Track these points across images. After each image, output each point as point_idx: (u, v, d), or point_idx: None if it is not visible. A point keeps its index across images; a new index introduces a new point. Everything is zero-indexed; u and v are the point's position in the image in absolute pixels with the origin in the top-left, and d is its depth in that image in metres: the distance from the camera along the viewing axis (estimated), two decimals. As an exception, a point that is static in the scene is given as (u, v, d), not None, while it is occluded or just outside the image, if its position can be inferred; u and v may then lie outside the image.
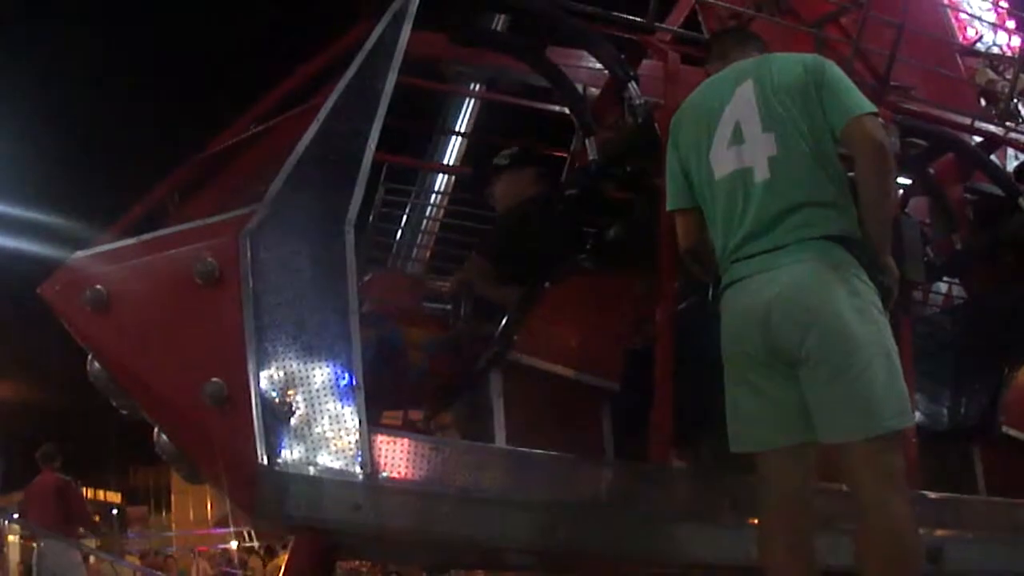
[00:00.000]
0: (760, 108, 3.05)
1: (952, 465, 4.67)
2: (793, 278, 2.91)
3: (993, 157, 5.62)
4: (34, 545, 9.99)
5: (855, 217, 3.01)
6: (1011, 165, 5.99)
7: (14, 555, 14.96)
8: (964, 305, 5.62)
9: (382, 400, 3.67)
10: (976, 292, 5.42)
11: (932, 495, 4.33)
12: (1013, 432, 4.69)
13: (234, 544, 15.86)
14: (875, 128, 2.97)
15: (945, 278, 5.72)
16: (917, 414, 4.37)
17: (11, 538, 14.56)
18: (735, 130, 3.08)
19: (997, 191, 5.26)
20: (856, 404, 2.84)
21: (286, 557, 4.06)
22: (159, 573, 13.72)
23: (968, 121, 5.58)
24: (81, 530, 10.18)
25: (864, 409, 2.84)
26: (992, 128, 5.69)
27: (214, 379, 3.23)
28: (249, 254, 3.31)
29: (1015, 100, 6.39)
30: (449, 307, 4.49)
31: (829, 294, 2.88)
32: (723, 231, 3.07)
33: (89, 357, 3.67)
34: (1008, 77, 6.62)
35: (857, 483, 2.85)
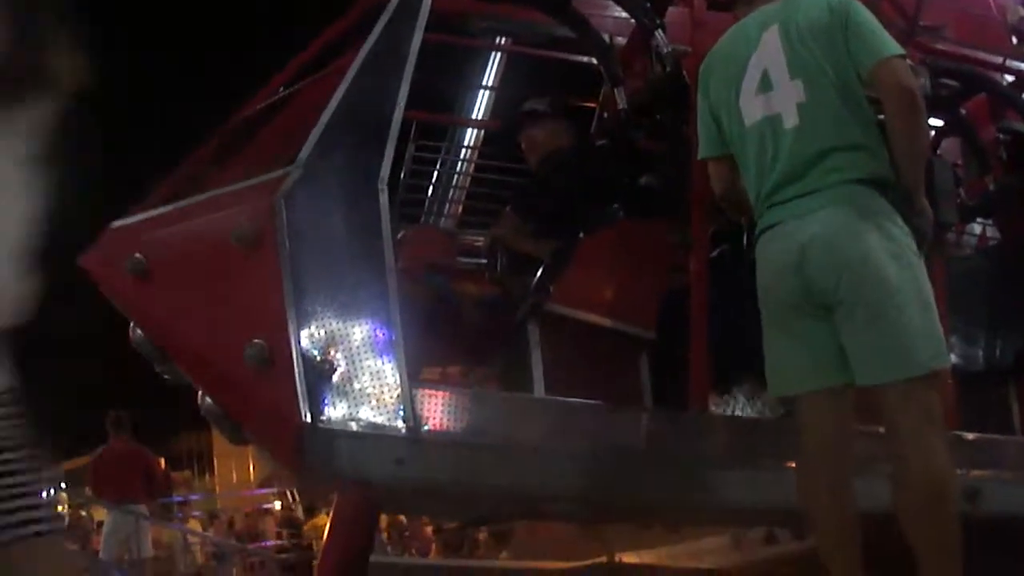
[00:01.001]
0: (787, 54, 3.04)
1: (988, 406, 4.67)
2: (826, 223, 2.91)
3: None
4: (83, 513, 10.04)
5: (887, 160, 3.00)
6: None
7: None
8: (998, 246, 5.58)
9: (436, 355, 3.73)
10: (1010, 232, 5.38)
11: (969, 436, 4.33)
12: None
13: (278, 505, 16.09)
14: (903, 70, 2.95)
15: (979, 219, 5.67)
16: (953, 356, 4.38)
17: (59, 508, 14.82)
18: (763, 77, 3.07)
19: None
20: (893, 346, 2.85)
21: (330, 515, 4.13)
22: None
23: (1000, 60, 5.51)
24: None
25: (901, 351, 2.85)
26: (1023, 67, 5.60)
27: (255, 340, 3.28)
28: (285, 216, 3.34)
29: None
30: (484, 261, 4.53)
31: (863, 238, 2.88)
32: (756, 178, 3.07)
33: (131, 324, 3.73)
34: (1041, 12, 6.50)
35: (895, 424, 2.87)
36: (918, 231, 2.97)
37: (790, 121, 3.00)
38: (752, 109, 3.08)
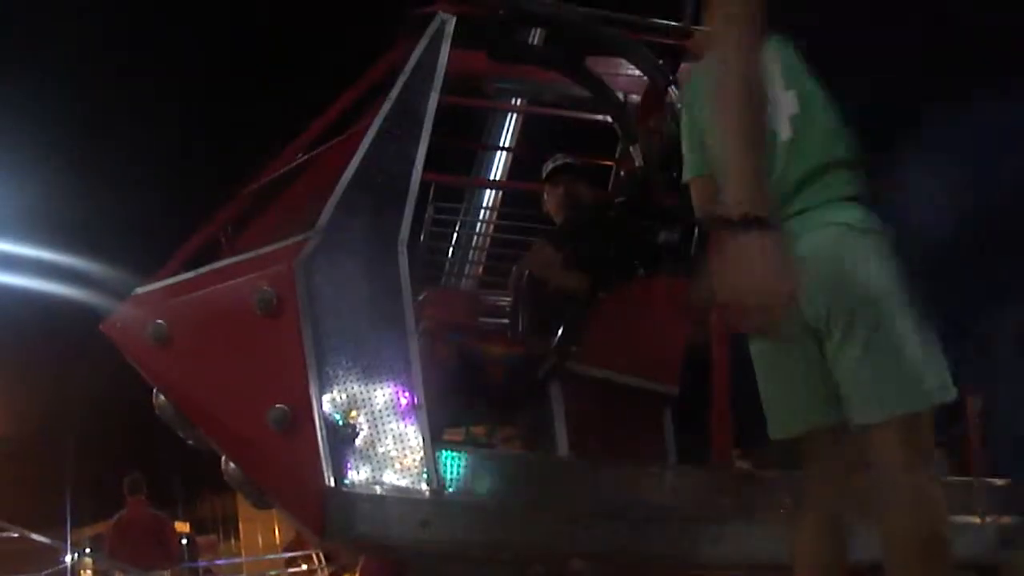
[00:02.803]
0: (780, 65, 2.86)
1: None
2: (818, 244, 2.71)
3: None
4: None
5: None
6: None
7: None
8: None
9: (460, 415, 3.72)
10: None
11: (999, 481, 4.28)
12: None
13: (304, 568, 15.95)
14: None
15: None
16: (977, 403, 4.35)
17: (85, 573, 14.76)
18: None
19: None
20: (894, 377, 2.61)
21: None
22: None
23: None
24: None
25: (903, 382, 2.61)
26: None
27: (278, 405, 3.29)
28: (305, 281, 3.37)
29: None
30: (506, 321, 4.53)
31: (857, 261, 2.68)
32: None
33: (154, 391, 3.75)
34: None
35: (886, 465, 2.61)
36: None
37: (784, 134, 2.82)
38: None
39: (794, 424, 2.84)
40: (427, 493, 3.28)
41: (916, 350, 2.63)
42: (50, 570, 12.98)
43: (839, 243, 2.71)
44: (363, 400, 3.31)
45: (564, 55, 4.72)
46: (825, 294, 2.67)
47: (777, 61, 2.86)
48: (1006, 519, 4.15)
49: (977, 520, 4.13)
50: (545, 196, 4.57)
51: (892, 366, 2.63)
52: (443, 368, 3.73)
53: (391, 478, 3.28)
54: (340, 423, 3.28)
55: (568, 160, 4.57)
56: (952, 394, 2.66)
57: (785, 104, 2.85)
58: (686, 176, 3.17)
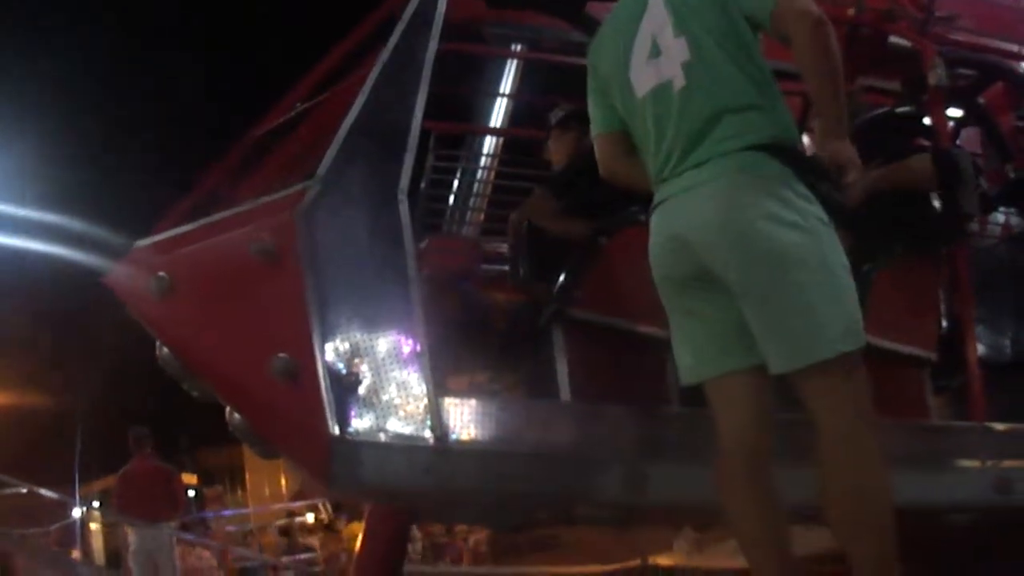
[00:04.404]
0: (671, 13, 2.81)
1: (1017, 396, 4.63)
2: (715, 194, 2.66)
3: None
4: (128, 530, 10.09)
5: (786, 119, 2.79)
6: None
7: (98, 542, 15.33)
8: (1021, 235, 5.54)
9: (463, 363, 3.74)
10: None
11: (999, 426, 4.30)
12: None
13: (311, 517, 16.15)
14: (806, 2, 2.68)
15: (1001, 208, 5.64)
16: (980, 346, 4.38)
17: (93, 526, 14.91)
18: (652, 43, 2.84)
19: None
20: (796, 328, 2.58)
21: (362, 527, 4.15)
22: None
23: (1016, 48, 5.48)
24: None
25: (805, 333, 2.57)
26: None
27: (281, 354, 3.30)
28: (306, 230, 3.36)
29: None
30: (507, 268, 4.53)
31: (753, 211, 2.61)
32: (653, 151, 2.84)
33: (157, 343, 3.76)
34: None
35: (813, 415, 2.61)
36: (827, 197, 2.67)
37: (677, 83, 2.76)
38: (643, 79, 2.85)
39: (709, 367, 2.78)
40: (431, 440, 3.29)
41: (816, 298, 2.58)
42: (59, 523, 13.14)
43: (737, 191, 2.65)
44: (366, 349, 3.32)
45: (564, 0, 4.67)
46: (724, 244, 2.64)
47: (668, 11, 2.82)
48: (1007, 463, 4.17)
49: (978, 464, 4.17)
50: (551, 143, 4.54)
51: (789, 317, 2.59)
52: (446, 316, 3.74)
53: (395, 426, 3.29)
54: (343, 372, 3.29)
55: (565, 112, 4.53)
56: (860, 341, 2.61)
57: (677, 52, 2.78)
58: (594, 132, 3.13)
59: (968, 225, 4.49)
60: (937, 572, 4.26)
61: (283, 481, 22.10)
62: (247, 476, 25.27)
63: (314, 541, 15.22)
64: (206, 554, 12.22)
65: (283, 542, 15.79)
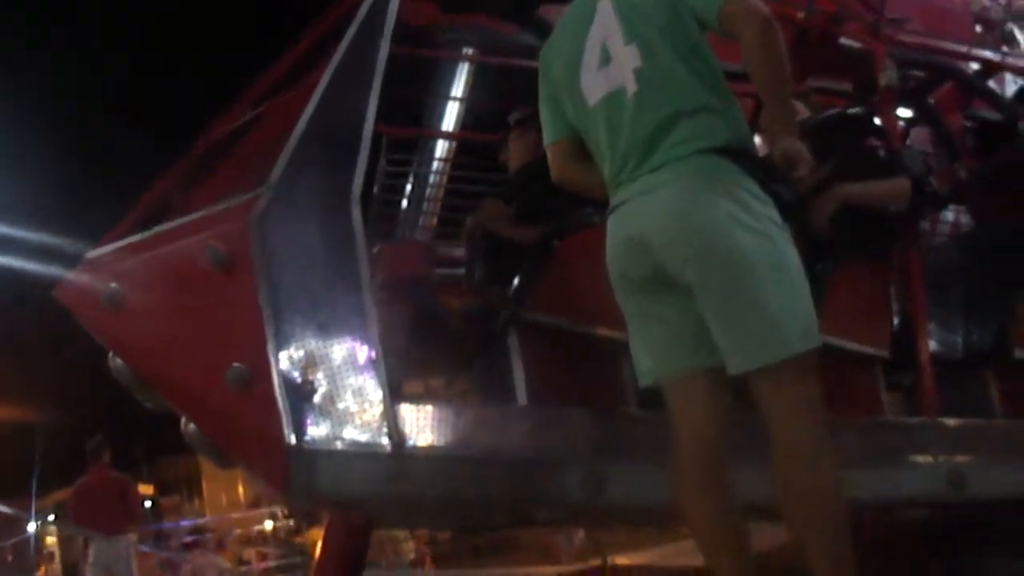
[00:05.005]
0: (621, 20, 2.82)
1: (968, 392, 4.69)
2: (672, 198, 2.67)
3: (991, 83, 5.60)
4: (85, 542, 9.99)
5: (740, 122, 2.81)
6: (1009, 90, 5.97)
7: (57, 555, 15.15)
8: (971, 233, 5.62)
9: (418, 368, 3.72)
10: (982, 219, 5.42)
11: (951, 422, 4.36)
12: None
13: (269, 524, 16.04)
14: (754, 2, 2.70)
15: (951, 207, 5.71)
16: (932, 343, 4.44)
17: (50, 540, 14.73)
18: (602, 50, 2.84)
19: (997, 117, 5.25)
20: (752, 330, 2.61)
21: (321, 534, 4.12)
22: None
23: (965, 49, 5.56)
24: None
25: (762, 334, 2.60)
26: (988, 54, 5.67)
27: (235, 364, 3.27)
28: (259, 238, 3.33)
29: (1009, 25, 6.35)
30: (462, 272, 4.53)
31: (711, 212, 2.62)
32: (608, 157, 2.85)
33: (110, 354, 3.71)
34: (1001, 1, 6.57)
35: (768, 415, 2.62)
36: (781, 198, 2.70)
37: (630, 89, 2.77)
38: (594, 87, 2.86)
39: (666, 368, 2.79)
40: (388, 448, 3.27)
41: (774, 299, 2.61)
42: (15, 539, 12.96)
43: (694, 194, 2.67)
44: (321, 356, 3.29)
45: (516, 2, 4.68)
46: (681, 245, 2.66)
47: (617, 17, 2.83)
48: (960, 458, 4.23)
49: (931, 459, 4.22)
50: (510, 143, 4.54)
51: (747, 318, 2.62)
52: (401, 321, 3.72)
53: (352, 434, 3.27)
54: (299, 380, 3.26)
55: (520, 116, 4.54)
56: (815, 341, 2.63)
57: (628, 59, 2.79)
58: (546, 140, 3.13)
59: (919, 224, 4.55)
60: (892, 567, 4.29)
61: (240, 489, 21.94)
62: (204, 485, 25.05)
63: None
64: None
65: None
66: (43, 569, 12.76)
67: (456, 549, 11.41)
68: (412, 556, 12.54)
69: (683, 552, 6.72)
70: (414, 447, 3.33)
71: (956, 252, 5.20)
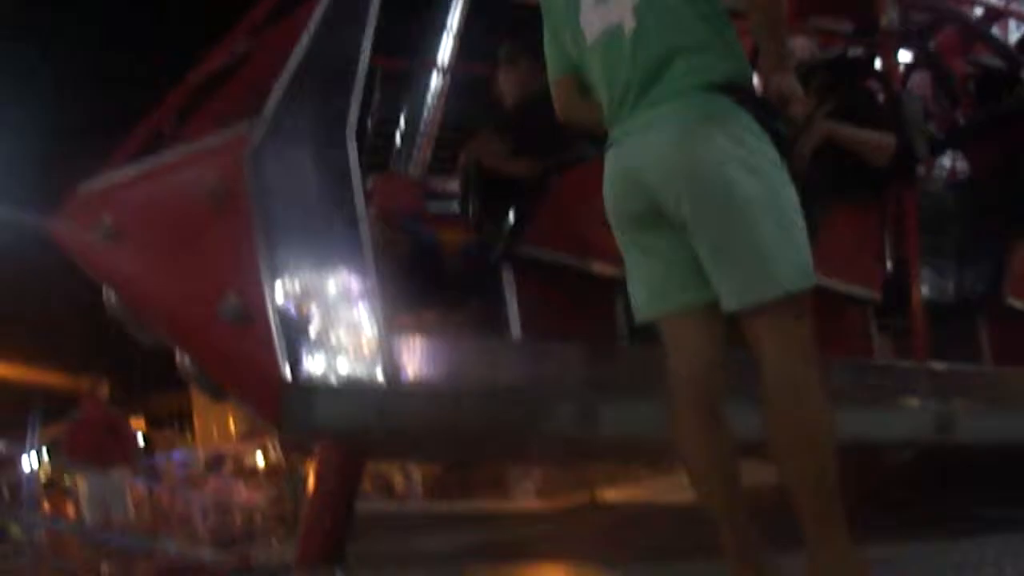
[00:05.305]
0: None
1: (959, 338, 4.72)
2: (668, 134, 2.65)
3: (994, 29, 5.56)
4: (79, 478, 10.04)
5: (740, 58, 2.77)
6: (1012, 37, 5.93)
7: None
8: (967, 179, 5.62)
9: (420, 303, 3.73)
10: (979, 165, 5.41)
11: (940, 366, 4.39)
12: (1018, 304, 4.73)
13: (259, 457, 16.15)
14: None
15: (948, 152, 5.70)
16: (925, 289, 4.45)
17: (42, 475, 14.81)
18: None
19: (999, 63, 5.22)
20: (746, 267, 2.59)
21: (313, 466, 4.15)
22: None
23: (968, -7, 5.52)
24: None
25: (756, 272, 2.58)
26: (992, 0, 5.62)
27: (231, 298, 3.26)
28: (253, 171, 3.31)
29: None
30: (455, 205, 4.52)
31: (707, 149, 2.59)
32: (607, 96, 2.82)
33: (104, 289, 3.71)
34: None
35: (759, 354, 2.61)
36: (778, 135, 2.66)
37: (628, 26, 2.73)
38: (592, 24, 2.82)
39: (662, 303, 2.79)
40: (383, 381, 3.29)
41: (768, 237, 2.58)
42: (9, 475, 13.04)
43: (690, 130, 2.64)
44: (316, 290, 3.29)
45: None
46: (676, 182, 2.64)
47: None
48: (948, 403, 4.27)
49: (920, 402, 4.26)
50: (501, 78, 4.50)
51: (741, 256, 2.60)
52: (396, 255, 3.72)
53: (347, 367, 3.27)
54: (294, 314, 3.26)
55: (516, 49, 4.49)
56: (810, 281, 2.63)
57: None
58: (551, 76, 3.10)
59: (916, 168, 4.54)
60: (880, 508, 4.35)
61: (231, 422, 22.08)
62: (195, 419, 25.19)
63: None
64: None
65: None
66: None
67: (445, 483, 11.52)
68: (402, 489, 12.64)
69: (672, 488, 6.80)
70: (408, 380, 3.34)
71: (951, 198, 5.19)
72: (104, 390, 9.93)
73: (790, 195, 2.66)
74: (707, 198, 2.61)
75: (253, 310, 3.26)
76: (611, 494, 7.50)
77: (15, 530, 10.54)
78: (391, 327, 3.38)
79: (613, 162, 2.82)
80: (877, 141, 4.21)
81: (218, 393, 3.99)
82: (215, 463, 17.50)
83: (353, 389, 3.28)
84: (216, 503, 12.40)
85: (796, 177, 2.73)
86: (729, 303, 2.65)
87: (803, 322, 2.63)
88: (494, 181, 4.04)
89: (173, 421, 26.69)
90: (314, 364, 3.26)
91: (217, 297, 3.28)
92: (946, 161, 5.98)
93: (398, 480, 12.85)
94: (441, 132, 5.72)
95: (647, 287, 2.82)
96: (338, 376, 3.27)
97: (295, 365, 3.24)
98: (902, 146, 4.25)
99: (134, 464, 10.21)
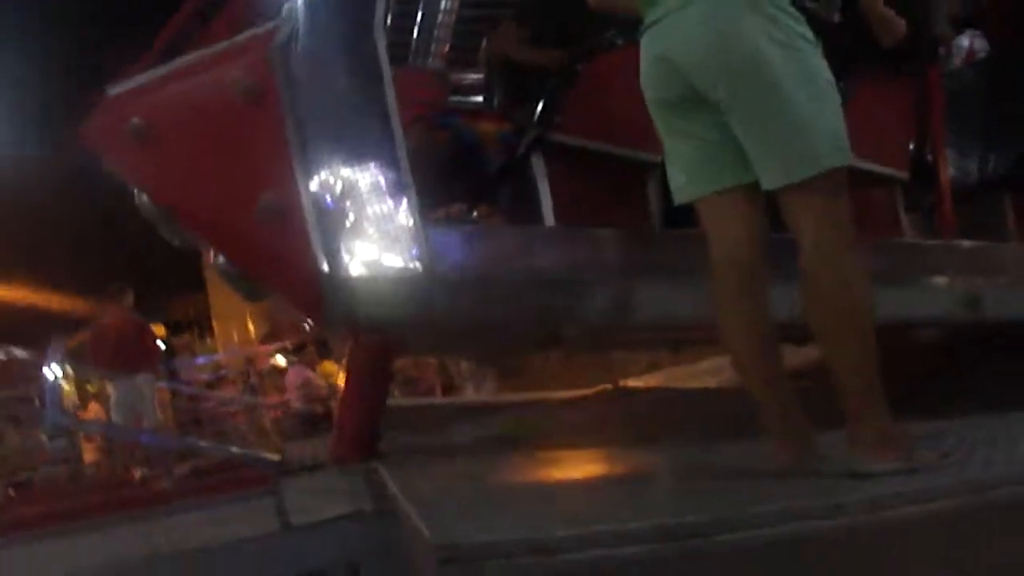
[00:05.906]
0: None
1: (984, 216, 4.73)
2: (701, 15, 2.65)
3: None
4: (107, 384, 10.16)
5: None
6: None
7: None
8: (988, 58, 5.55)
9: (461, 196, 3.75)
10: (1000, 43, 5.33)
11: (967, 243, 4.42)
12: None
13: (281, 359, 16.23)
14: None
15: (968, 31, 5.62)
16: (950, 169, 4.45)
17: (67, 386, 14.96)
18: None
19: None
20: (783, 145, 2.61)
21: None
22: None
23: None
24: None
25: (793, 149, 2.61)
26: None
27: (266, 195, 3.29)
28: (283, 67, 3.30)
29: None
30: (477, 99, 4.50)
31: (740, 28, 2.60)
32: None
33: (136, 192, 3.72)
34: None
35: (798, 231, 2.64)
36: (811, 14, 2.67)
37: None
38: None
39: (702, 185, 2.80)
40: (420, 271, 3.32)
41: (805, 114, 2.60)
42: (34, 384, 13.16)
43: (720, 14, 2.64)
44: (350, 184, 3.30)
45: None
46: (711, 61, 2.64)
47: None
48: (975, 279, 4.30)
49: (947, 281, 4.29)
50: None
51: (779, 133, 2.62)
52: (431, 148, 3.72)
53: (383, 259, 3.30)
54: (330, 208, 3.28)
55: None
56: (846, 158, 2.64)
57: None
58: None
59: (939, 46, 4.50)
60: (916, 385, 4.43)
61: (250, 326, 22.21)
62: (214, 324, 25.33)
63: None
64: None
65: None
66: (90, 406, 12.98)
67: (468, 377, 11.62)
68: (426, 384, 12.77)
69: (693, 375, 6.89)
70: (445, 271, 3.37)
71: (974, 77, 5.14)
72: (130, 298, 10.01)
73: (825, 72, 2.67)
74: (741, 77, 2.61)
75: (289, 205, 3.28)
76: (633, 382, 7.58)
77: (43, 437, 10.67)
78: (426, 217, 3.41)
79: (648, 47, 2.82)
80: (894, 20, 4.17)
81: (253, 293, 4.04)
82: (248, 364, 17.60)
83: (391, 279, 3.31)
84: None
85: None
86: (767, 180, 2.67)
87: (840, 199, 2.65)
88: (517, 70, 4.03)
89: (192, 326, 26.83)
90: (351, 257, 3.29)
91: (253, 195, 3.31)
92: (964, 41, 5.90)
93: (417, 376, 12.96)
94: (459, 24, 5.66)
95: (686, 171, 2.84)
96: (376, 267, 3.30)
97: (333, 259, 3.28)
98: (924, 24, 4.20)
99: (157, 369, 10.34)
